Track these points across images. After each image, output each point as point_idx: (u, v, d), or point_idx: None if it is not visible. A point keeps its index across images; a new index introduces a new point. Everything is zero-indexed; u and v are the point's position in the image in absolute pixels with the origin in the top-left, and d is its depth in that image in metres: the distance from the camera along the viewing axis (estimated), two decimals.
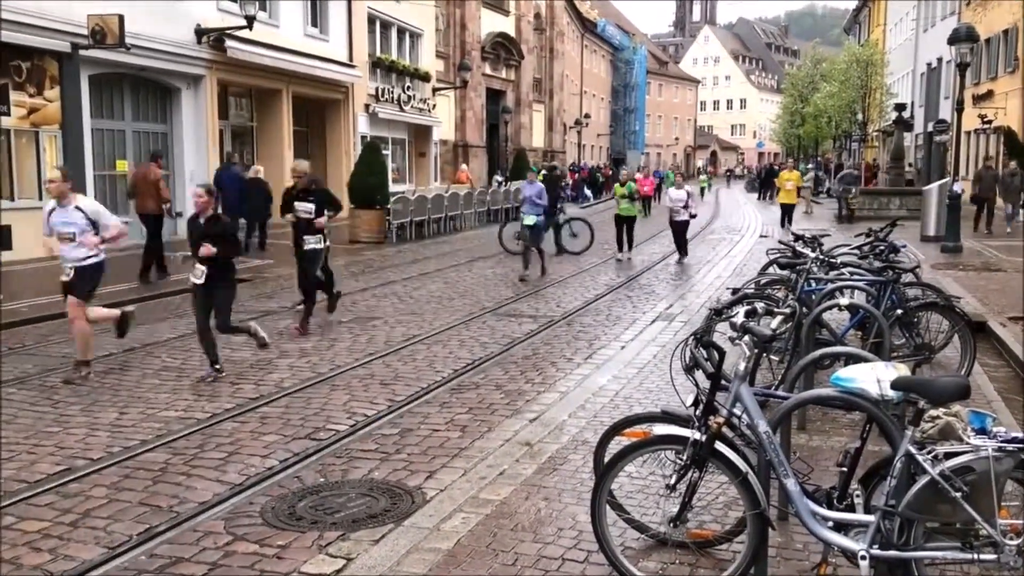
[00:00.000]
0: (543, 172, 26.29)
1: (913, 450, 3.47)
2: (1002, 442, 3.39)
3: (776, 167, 49.91)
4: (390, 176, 26.52)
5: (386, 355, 9.16)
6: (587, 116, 57.62)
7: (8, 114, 15.94)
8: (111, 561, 4.48)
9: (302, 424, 6.78)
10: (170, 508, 5.16)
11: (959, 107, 18.72)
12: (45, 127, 16.82)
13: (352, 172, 21.91)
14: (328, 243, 10.79)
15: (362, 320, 11.10)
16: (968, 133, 32.03)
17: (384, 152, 26.10)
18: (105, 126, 18.98)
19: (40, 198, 16.67)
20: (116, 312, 8.74)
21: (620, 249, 18.01)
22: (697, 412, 3.94)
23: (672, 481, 3.95)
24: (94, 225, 7.99)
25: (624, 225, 18.00)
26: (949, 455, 3.42)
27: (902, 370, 3.77)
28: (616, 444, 4.42)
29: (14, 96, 16.07)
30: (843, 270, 8.18)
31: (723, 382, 4.03)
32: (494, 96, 42.46)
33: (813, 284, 7.66)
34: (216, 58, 20.76)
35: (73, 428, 6.69)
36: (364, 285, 14.13)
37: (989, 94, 32.19)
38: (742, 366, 3.88)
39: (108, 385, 7.97)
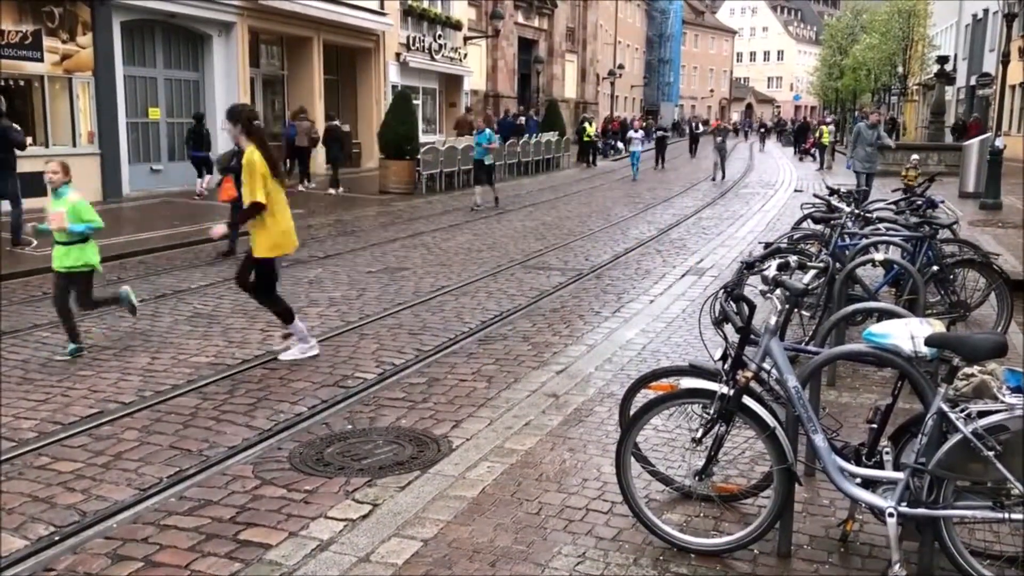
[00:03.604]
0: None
1: (946, 408, 3.41)
2: None
3: (812, 123, 48.99)
4: (420, 126, 26.39)
5: (414, 305, 9.18)
6: (621, 67, 56.72)
7: (41, 60, 16.02)
8: (142, 502, 4.56)
9: (331, 372, 6.83)
10: (200, 452, 5.24)
11: (1005, 60, 18.20)
12: (78, 74, 16.89)
13: (382, 122, 21.80)
14: None
15: (391, 270, 11.12)
16: (1013, 87, 31.16)
17: (415, 102, 25.96)
18: (137, 73, 19.00)
19: (74, 144, 16.83)
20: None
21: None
22: (725, 366, 3.90)
23: (698, 435, 3.92)
24: None
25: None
26: (982, 413, 3.36)
27: (937, 326, 3.69)
28: (642, 397, 4.39)
29: (47, 42, 16.13)
30: (878, 225, 8.02)
31: (753, 336, 3.97)
32: (526, 46, 41.93)
33: (847, 239, 7.54)
34: (247, 5, 20.65)
35: (105, 372, 6.79)
36: (393, 236, 14.14)
37: None
38: (773, 320, 3.81)
39: (140, 331, 8.07)
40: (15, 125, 12.60)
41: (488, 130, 18.65)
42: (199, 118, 18.24)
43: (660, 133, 34.19)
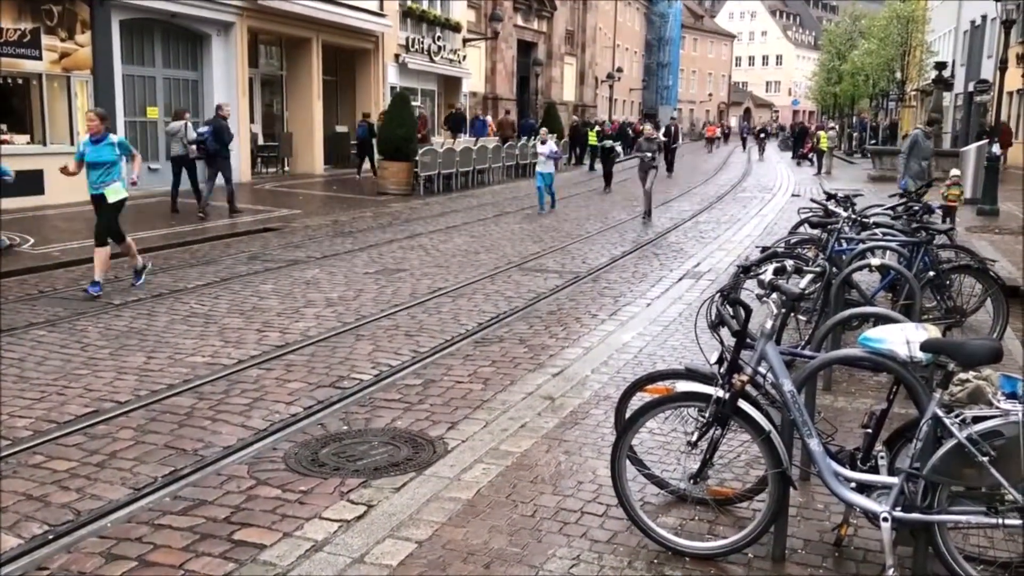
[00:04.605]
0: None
1: (940, 413, 3.42)
2: None
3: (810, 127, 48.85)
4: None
5: (411, 307, 9.17)
6: (619, 70, 56.71)
7: (40, 58, 15.99)
8: (136, 502, 4.55)
9: (327, 372, 6.83)
10: (195, 452, 5.23)
11: (1002, 66, 18.22)
12: (76, 72, 16.86)
13: (380, 123, 21.80)
14: None
15: (388, 272, 11.12)
16: (1011, 93, 31.18)
17: (413, 103, 25.96)
18: (136, 72, 18.99)
19: (72, 143, 16.78)
20: None
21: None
22: (721, 370, 3.90)
23: (694, 438, 3.92)
24: None
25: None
26: (977, 419, 3.36)
27: (932, 332, 3.69)
28: (638, 400, 4.40)
29: (46, 40, 16.10)
30: (875, 230, 8.04)
31: (749, 340, 3.98)
32: (525, 48, 41.95)
33: (844, 244, 7.54)
34: (247, 5, 20.66)
35: (101, 371, 6.78)
36: (391, 237, 14.13)
37: None
38: (769, 324, 3.82)
39: (136, 330, 8.06)
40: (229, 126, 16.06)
41: (112, 134, 9.55)
42: (367, 115, 24.30)
43: (608, 144, 24.73)
